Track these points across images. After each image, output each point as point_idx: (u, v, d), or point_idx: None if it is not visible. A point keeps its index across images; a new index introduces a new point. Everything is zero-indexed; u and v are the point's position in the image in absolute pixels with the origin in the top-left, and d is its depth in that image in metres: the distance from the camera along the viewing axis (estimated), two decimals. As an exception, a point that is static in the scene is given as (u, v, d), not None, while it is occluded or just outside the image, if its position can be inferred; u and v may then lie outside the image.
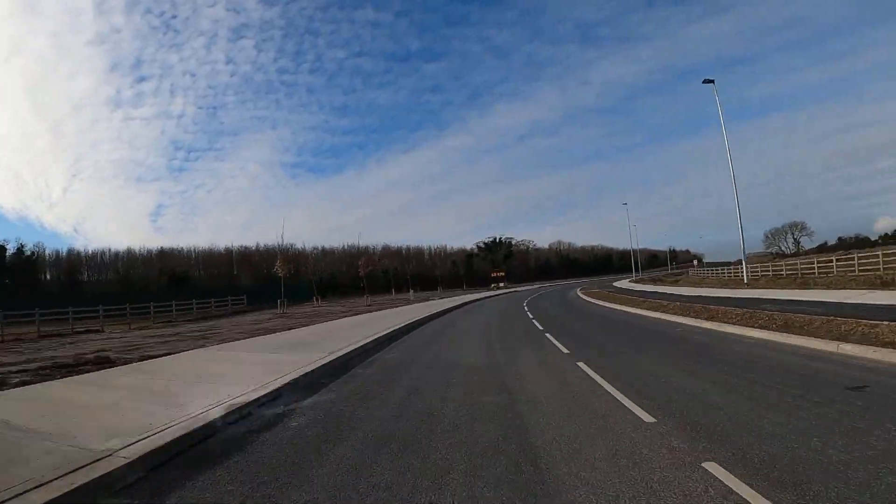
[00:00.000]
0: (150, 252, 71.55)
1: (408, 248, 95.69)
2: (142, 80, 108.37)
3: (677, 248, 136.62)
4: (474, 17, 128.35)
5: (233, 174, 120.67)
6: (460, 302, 28.72)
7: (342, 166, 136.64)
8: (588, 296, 26.29)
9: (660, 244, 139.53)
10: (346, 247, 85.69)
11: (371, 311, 23.60)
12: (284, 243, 79.93)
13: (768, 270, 34.05)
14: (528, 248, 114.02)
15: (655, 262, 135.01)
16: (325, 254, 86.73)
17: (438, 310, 21.27)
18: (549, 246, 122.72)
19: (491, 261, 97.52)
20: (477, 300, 32.12)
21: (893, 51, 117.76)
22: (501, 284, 72.93)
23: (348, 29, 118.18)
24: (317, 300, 43.27)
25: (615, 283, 47.88)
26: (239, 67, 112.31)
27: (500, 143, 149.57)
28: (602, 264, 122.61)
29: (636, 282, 49.08)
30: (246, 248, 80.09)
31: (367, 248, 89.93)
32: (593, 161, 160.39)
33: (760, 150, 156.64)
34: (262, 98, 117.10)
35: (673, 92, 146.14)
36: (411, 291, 51.87)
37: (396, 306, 28.06)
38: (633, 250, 72.28)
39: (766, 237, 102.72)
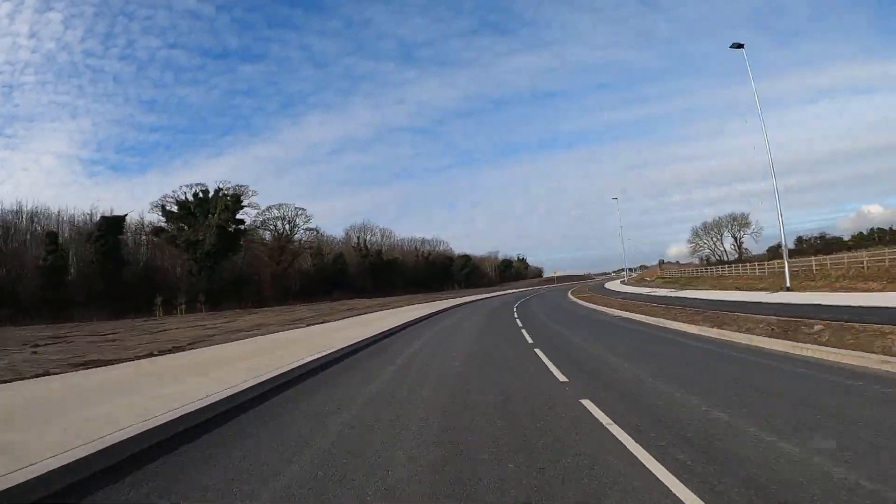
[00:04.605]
0: None
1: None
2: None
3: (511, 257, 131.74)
4: (298, 22, 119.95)
5: (24, 167, 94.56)
6: None
7: (146, 167, 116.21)
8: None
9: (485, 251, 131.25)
10: None
11: None
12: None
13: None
14: (295, 227, 62.65)
15: (509, 273, 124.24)
16: None
17: None
18: (348, 234, 76.22)
19: (187, 243, 48.53)
20: None
21: (690, 101, 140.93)
22: None
23: (165, 16, 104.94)
24: None
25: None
26: (43, 43, 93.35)
27: (311, 155, 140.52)
28: (443, 271, 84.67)
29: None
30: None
31: None
32: (403, 179, 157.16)
33: (568, 178, 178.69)
34: (63, 82, 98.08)
35: (485, 119, 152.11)
36: None
37: None
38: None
39: (694, 236, 74.04)
